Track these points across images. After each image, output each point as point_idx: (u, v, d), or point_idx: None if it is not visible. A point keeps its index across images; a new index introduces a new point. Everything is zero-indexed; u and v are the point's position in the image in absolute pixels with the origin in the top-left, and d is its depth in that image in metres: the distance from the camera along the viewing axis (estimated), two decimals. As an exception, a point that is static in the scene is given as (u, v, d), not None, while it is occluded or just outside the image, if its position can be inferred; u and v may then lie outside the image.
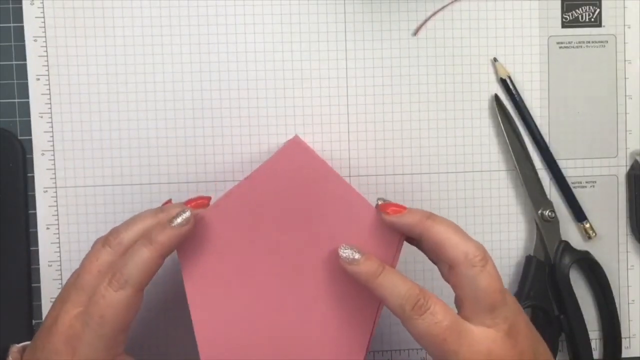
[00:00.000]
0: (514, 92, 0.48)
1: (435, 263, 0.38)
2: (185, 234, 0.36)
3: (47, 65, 0.46)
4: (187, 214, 0.36)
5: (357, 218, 0.38)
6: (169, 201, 0.40)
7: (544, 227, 0.48)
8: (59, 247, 0.46)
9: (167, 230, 0.36)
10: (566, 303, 0.47)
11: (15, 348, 0.37)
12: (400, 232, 0.38)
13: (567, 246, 0.47)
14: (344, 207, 0.38)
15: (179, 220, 0.36)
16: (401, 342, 0.48)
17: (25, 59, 0.45)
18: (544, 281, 0.47)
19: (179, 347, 0.47)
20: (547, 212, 0.47)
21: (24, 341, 0.38)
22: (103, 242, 0.36)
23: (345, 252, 0.36)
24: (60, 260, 0.46)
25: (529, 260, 0.48)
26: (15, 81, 0.46)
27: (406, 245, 0.39)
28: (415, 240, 0.38)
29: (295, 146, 0.39)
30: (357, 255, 0.36)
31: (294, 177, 0.38)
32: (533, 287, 0.47)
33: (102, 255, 0.36)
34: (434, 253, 0.37)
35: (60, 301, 0.36)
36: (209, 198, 0.39)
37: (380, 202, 0.39)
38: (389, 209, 0.38)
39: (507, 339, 0.34)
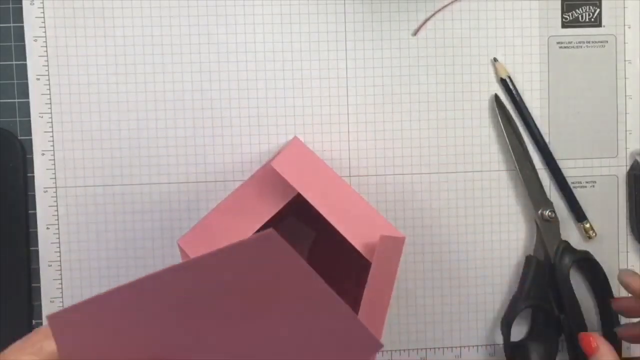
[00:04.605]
0: (514, 92, 0.48)
1: None
2: None
3: (47, 65, 0.46)
4: None
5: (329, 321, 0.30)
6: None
7: (544, 227, 0.48)
8: (59, 247, 0.46)
9: None
10: (566, 303, 0.47)
11: None
12: None
13: (567, 246, 0.47)
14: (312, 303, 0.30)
15: None
16: (401, 342, 0.48)
17: (25, 59, 0.46)
18: (544, 281, 0.47)
19: None
20: (547, 212, 0.47)
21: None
22: None
23: None
24: (60, 260, 0.46)
25: (529, 260, 0.48)
26: (15, 81, 0.46)
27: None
28: None
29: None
30: None
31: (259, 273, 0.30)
32: (533, 287, 0.47)
33: None
34: None
35: None
36: None
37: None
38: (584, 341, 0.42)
39: None
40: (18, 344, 0.29)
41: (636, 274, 0.45)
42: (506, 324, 0.47)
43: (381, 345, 0.31)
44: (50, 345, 0.28)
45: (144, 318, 0.29)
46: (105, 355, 0.29)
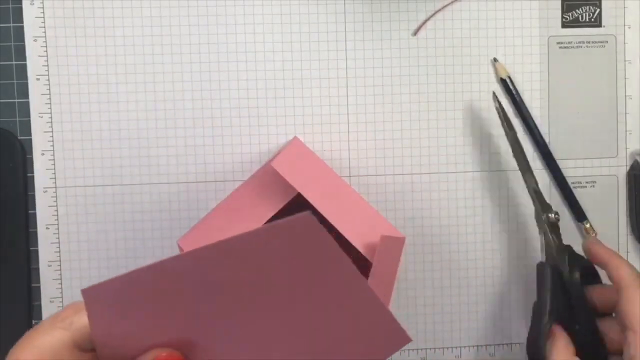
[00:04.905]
0: (514, 92, 0.48)
1: None
2: None
3: (47, 65, 0.46)
4: None
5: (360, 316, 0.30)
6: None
7: (549, 229, 0.45)
8: (59, 247, 0.46)
9: None
10: (580, 315, 0.43)
11: None
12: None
13: (576, 257, 0.44)
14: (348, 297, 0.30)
15: None
16: (401, 342, 0.48)
17: (25, 59, 0.45)
18: (560, 292, 0.43)
19: None
20: (552, 215, 0.45)
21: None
22: None
23: None
24: (60, 261, 0.46)
25: (541, 269, 0.44)
26: (15, 81, 0.46)
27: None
28: None
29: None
30: None
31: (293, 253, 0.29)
32: (554, 300, 0.43)
33: None
34: None
35: None
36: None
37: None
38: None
39: None
40: (49, 319, 0.29)
41: (600, 242, 0.45)
42: (535, 347, 0.43)
43: (410, 340, 0.30)
44: (79, 320, 0.28)
45: (175, 297, 0.29)
46: (135, 333, 0.29)
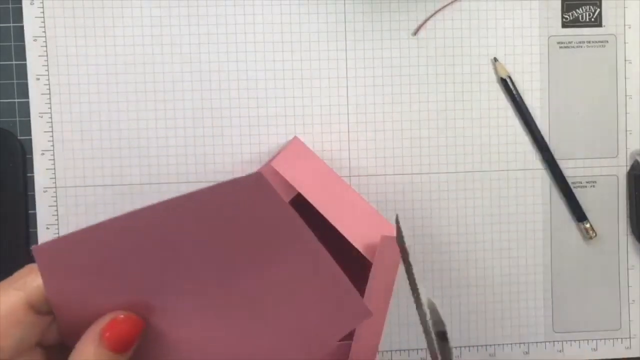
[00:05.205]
0: (514, 92, 0.48)
1: None
2: None
3: (47, 65, 0.46)
4: None
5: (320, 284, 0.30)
6: None
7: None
8: (59, 247, 0.46)
9: None
10: None
11: None
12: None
13: None
14: (307, 262, 0.29)
15: None
16: (402, 342, 0.48)
17: (25, 59, 0.45)
18: None
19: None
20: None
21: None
22: None
23: None
24: (60, 260, 0.46)
25: None
26: (15, 81, 0.46)
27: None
28: None
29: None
30: None
31: (246, 212, 0.28)
32: None
33: None
34: None
35: None
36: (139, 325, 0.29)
37: None
38: None
39: None
40: (4, 281, 0.28)
41: None
42: None
43: (371, 314, 0.29)
44: (34, 280, 0.28)
45: (130, 257, 0.28)
46: (92, 294, 0.28)
